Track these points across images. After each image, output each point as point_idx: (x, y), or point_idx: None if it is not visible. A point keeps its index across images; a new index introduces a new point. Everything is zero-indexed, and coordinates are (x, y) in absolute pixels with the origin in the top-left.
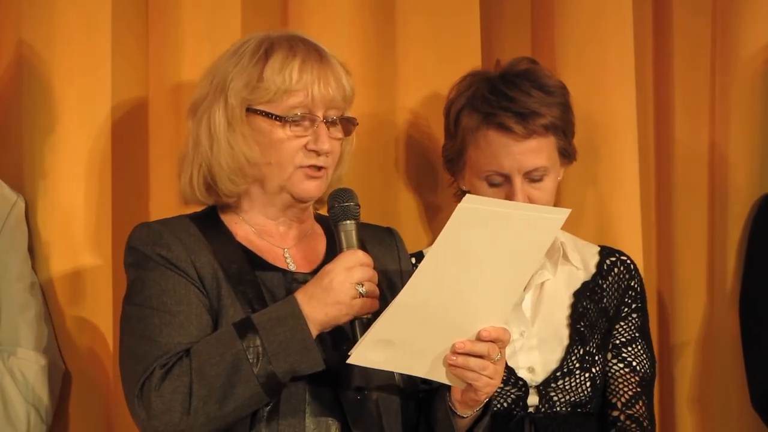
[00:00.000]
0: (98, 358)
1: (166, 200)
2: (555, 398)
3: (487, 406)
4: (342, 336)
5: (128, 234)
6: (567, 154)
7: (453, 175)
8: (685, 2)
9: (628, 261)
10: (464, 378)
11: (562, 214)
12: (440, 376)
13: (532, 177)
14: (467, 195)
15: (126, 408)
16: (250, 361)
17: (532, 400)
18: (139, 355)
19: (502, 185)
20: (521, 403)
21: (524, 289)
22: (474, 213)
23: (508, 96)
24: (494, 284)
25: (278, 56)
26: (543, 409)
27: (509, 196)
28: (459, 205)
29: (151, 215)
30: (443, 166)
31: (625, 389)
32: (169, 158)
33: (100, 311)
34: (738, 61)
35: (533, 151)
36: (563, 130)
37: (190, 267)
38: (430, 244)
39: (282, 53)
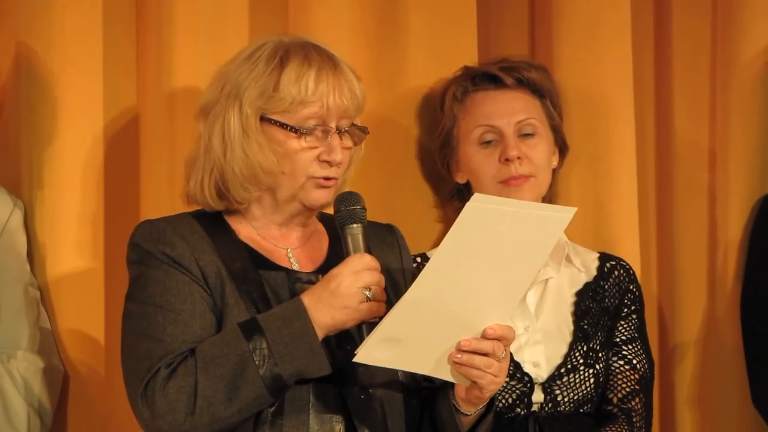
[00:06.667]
0: (92, 360)
1: (158, 205)
2: (559, 397)
3: (491, 403)
4: (346, 336)
5: (121, 236)
6: (557, 131)
7: (447, 165)
8: (685, 3)
9: (628, 266)
10: (469, 376)
11: (569, 212)
12: (445, 374)
13: (522, 131)
14: (476, 194)
15: (124, 409)
16: (256, 362)
17: (537, 397)
18: (142, 354)
19: (494, 144)
20: (525, 400)
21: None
22: (482, 212)
23: (493, 61)
24: (500, 282)
25: (294, 65)
26: (547, 408)
27: (503, 152)
28: (468, 203)
29: (142, 218)
30: (437, 159)
31: (624, 385)
32: (160, 162)
33: (94, 313)
34: (738, 61)
35: (520, 100)
36: (549, 98)
37: (193, 265)
38: (434, 245)
39: (297, 61)
